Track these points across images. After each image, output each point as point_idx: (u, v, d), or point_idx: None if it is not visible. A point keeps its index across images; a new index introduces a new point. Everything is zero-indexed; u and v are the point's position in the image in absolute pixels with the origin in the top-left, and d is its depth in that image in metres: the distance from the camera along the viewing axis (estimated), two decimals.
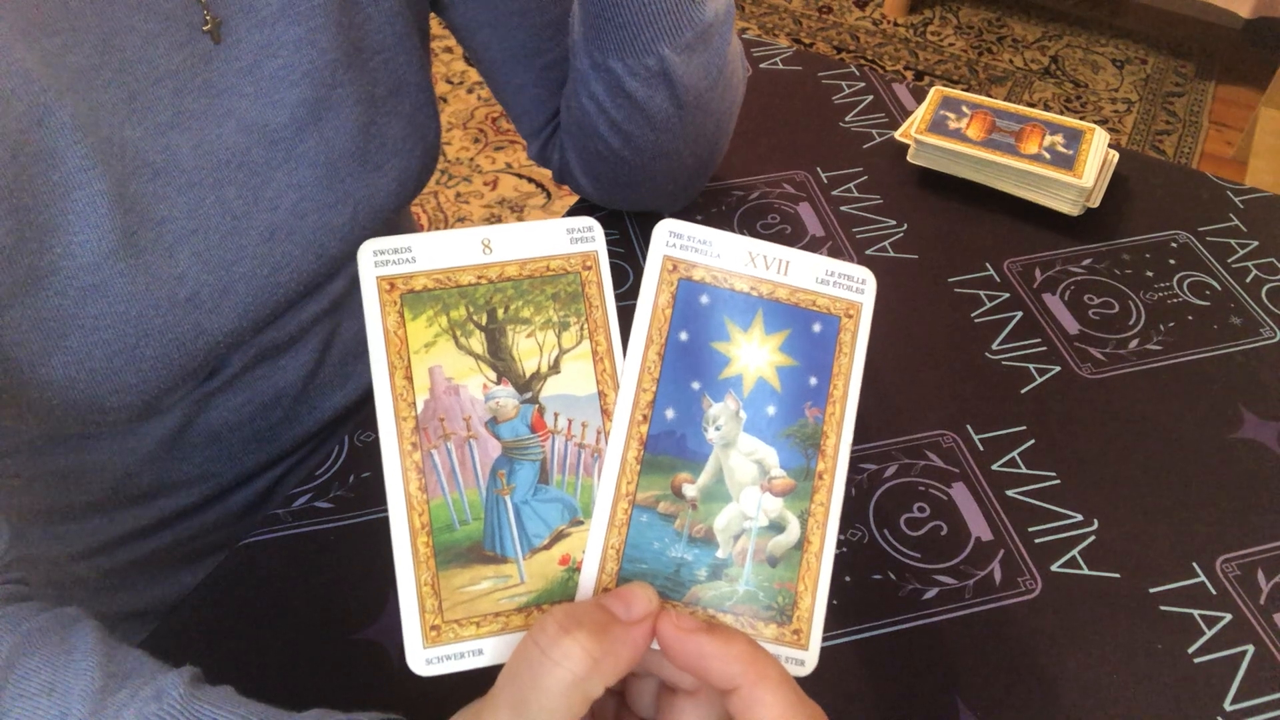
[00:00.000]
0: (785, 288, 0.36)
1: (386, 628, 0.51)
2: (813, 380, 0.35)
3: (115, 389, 0.50)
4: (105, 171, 0.46)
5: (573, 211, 0.74)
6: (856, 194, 0.76)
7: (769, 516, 0.35)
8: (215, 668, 0.43)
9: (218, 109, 0.51)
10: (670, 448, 0.34)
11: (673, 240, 0.35)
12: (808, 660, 0.35)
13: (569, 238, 0.36)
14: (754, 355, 0.35)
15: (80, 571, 0.64)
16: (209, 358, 0.53)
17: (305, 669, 0.50)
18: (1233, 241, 0.72)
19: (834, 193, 0.76)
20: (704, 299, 0.35)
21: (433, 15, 0.67)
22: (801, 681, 0.32)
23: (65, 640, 0.40)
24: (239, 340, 0.55)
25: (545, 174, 1.96)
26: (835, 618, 0.52)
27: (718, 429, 0.35)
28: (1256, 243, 0.72)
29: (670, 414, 0.35)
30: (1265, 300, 0.68)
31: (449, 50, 2.29)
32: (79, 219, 0.46)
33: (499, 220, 1.86)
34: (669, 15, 0.57)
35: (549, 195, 1.93)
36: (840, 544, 0.55)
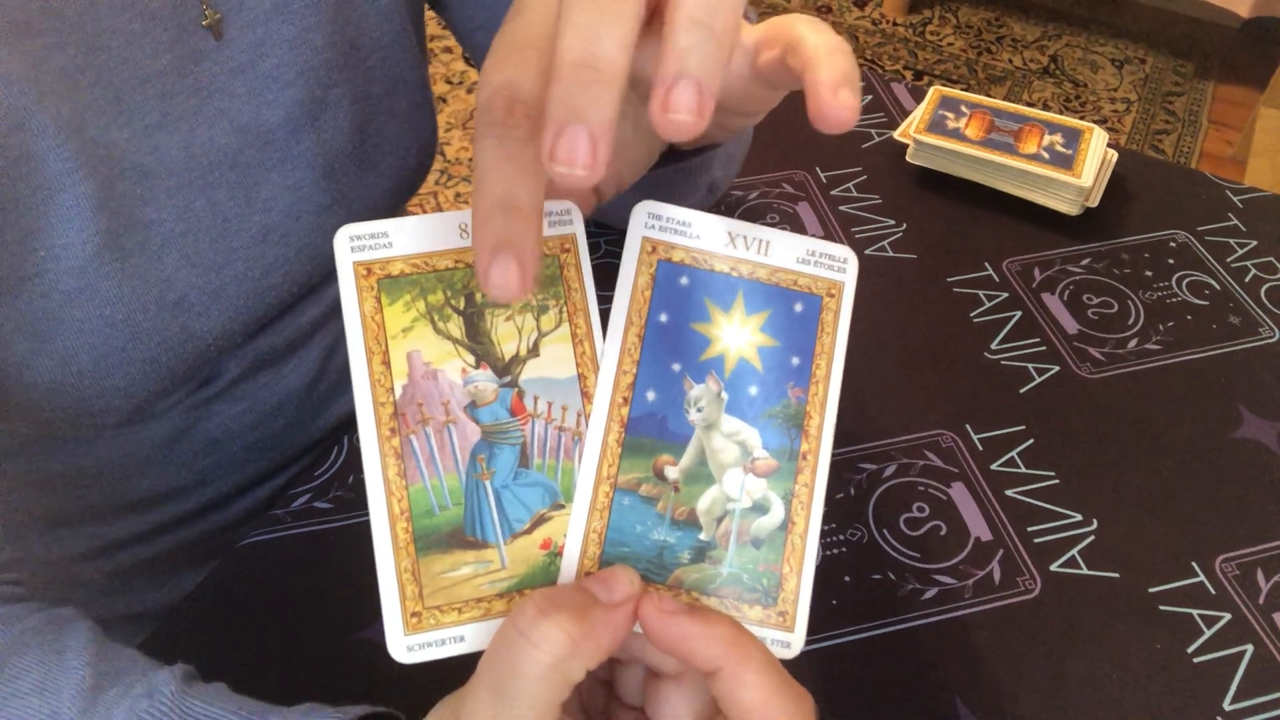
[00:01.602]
0: (765, 268, 0.35)
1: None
2: (795, 360, 0.35)
3: (103, 392, 0.49)
4: (90, 174, 0.46)
5: None
6: (855, 194, 0.76)
7: (752, 498, 0.34)
8: (214, 668, 0.43)
9: (208, 109, 0.50)
10: (651, 430, 0.34)
11: (651, 221, 0.35)
12: (794, 642, 0.34)
13: (547, 220, 0.36)
14: (735, 336, 0.35)
15: (82, 573, 0.64)
16: (199, 361, 0.53)
17: (304, 669, 0.50)
18: (1232, 241, 0.72)
19: (833, 192, 0.76)
20: (684, 280, 0.35)
21: (433, 16, 0.66)
22: (801, 679, 0.32)
23: (58, 640, 0.40)
24: (230, 344, 0.54)
25: None
26: (835, 618, 0.52)
27: (699, 410, 0.34)
28: (1255, 242, 0.72)
29: (651, 396, 0.34)
30: (1264, 300, 0.68)
31: (449, 50, 2.29)
32: (63, 222, 0.45)
33: None
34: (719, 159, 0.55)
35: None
36: (840, 544, 0.55)
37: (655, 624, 0.31)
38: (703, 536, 0.34)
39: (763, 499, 0.35)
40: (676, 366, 0.34)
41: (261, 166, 0.53)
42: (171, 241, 0.50)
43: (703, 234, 0.35)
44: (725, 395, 0.35)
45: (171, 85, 0.49)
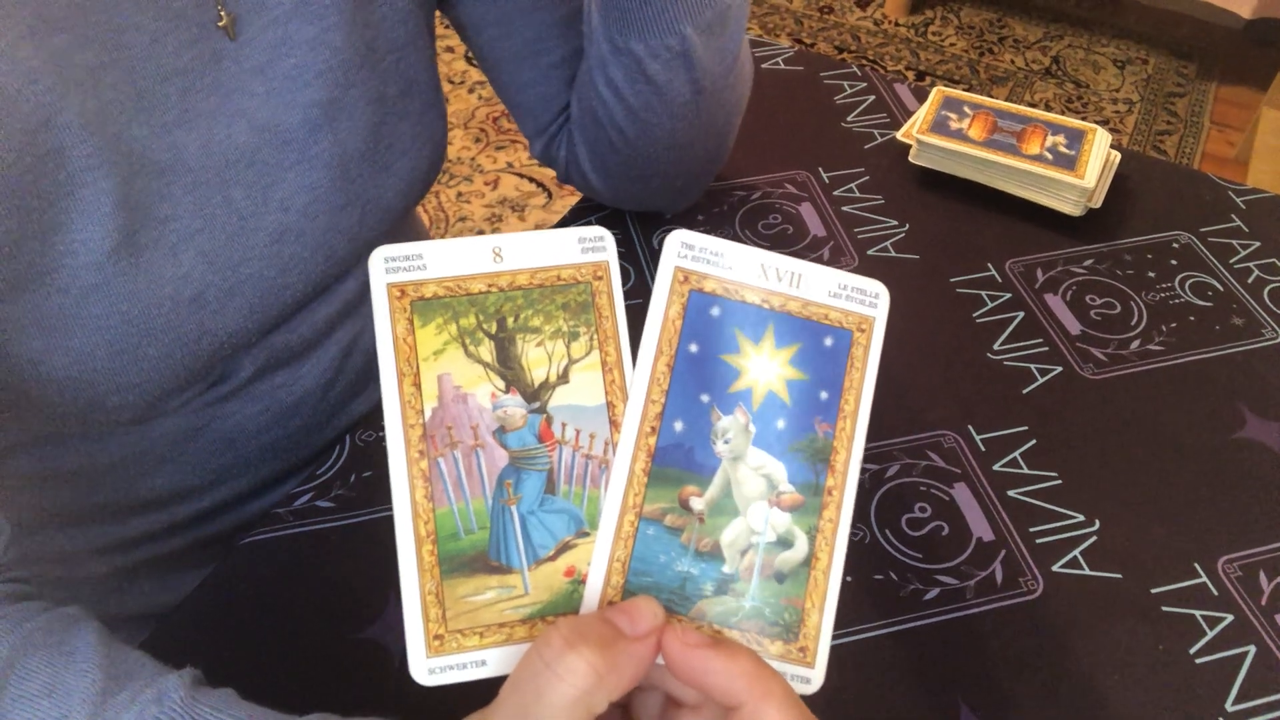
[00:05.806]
0: (797, 301, 0.35)
1: (387, 628, 0.51)
2: (823, 395, 0.35)
3: (118, 388, 0.50)
4: (111, 170, 0.46)
5: (575, 211, 0.74)
6: (858, 194, 0.76)
7: (777, 532, 0.34)
8: (216, 667, 0.43)
9: (228, 108, 0.51)
10: (678, 460, 0.34)
11: (684, 251, 0.35)
12: (814, 678, 0.34)
13: (580, 247, 0.36)
14: (764, 368, 0.35)
15: (94, 568, 0.64)
16: (213, 359, 0.53)
17: (306, 669, 0.50)
18: (1234, 242, 0.72)
19: (836, 193, 0.76)
20: (715, 311, 0.35)
21: (436, 14, 0.66)
22: (807, 696, 0.32)
23: (66, 641, 0.40)
24: (245, 342, 0.54)
25: (546, 173, 1.96)
26: (837, 618, 0.52)
27: (726, 442, 0.34)
28: (1258, 243, 0.72)
29: (679, 426, 0.34)
30: (1267, 301, 0.68)
31: (450, 50, 2.29)
32: (82, 217, 0.45)
33: (500, 219, 1.86)
34: None
35: (550, 195, 1.93)
36: None
37: (677, 657, 0.31)
38: (726, 569, 0.34)
39: (787, 533, 0.35)
40: (705, 397, 0.35)
41: (279, 166, 0.53)
42: (188, 239, 0.50)
43: (735, 265, 0.35)
44: (753, 428, 0.35)
45: (192, 83, 0.49)
